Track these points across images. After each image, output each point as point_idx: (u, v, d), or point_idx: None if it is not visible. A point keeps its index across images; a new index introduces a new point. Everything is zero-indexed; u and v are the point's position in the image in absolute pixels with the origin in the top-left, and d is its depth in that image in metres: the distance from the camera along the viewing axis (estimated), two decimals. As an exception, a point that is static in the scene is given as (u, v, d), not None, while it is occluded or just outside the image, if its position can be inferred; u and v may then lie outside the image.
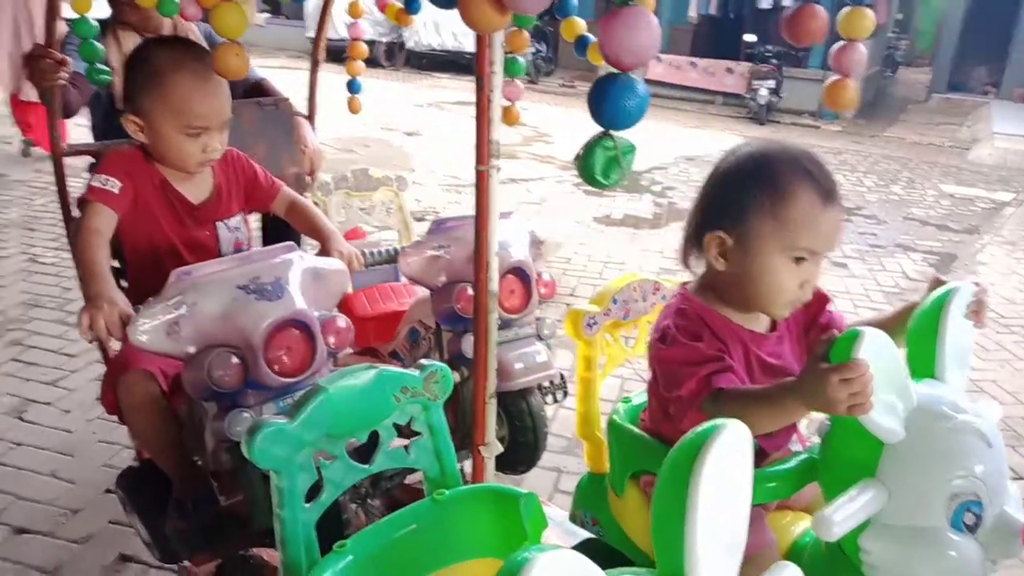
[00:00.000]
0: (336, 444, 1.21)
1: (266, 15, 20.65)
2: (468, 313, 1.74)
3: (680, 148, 9.96)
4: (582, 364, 1.64)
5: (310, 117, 2.61)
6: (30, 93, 4.77)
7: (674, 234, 5.87)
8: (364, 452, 1.26)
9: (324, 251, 1.67)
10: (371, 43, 16.66)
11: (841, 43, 1.14)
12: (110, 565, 2.12)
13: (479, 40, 1.09)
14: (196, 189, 1.74)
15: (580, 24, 2.07)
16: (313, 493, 1.18)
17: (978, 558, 1.03)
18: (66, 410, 2.88)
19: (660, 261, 5.20)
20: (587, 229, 5.86)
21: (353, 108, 2.79)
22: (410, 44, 16.36)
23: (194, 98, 1.56)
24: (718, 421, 0.72)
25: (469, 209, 1.27)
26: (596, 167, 1.38)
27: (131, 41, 2.27)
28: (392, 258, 1.88)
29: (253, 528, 1.44)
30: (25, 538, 2.21)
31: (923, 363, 1.15)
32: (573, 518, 1.63)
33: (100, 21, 2.26)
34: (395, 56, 16.92)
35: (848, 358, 0.97)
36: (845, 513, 1.01)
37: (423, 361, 1.28)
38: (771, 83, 12.13)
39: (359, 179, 2.57)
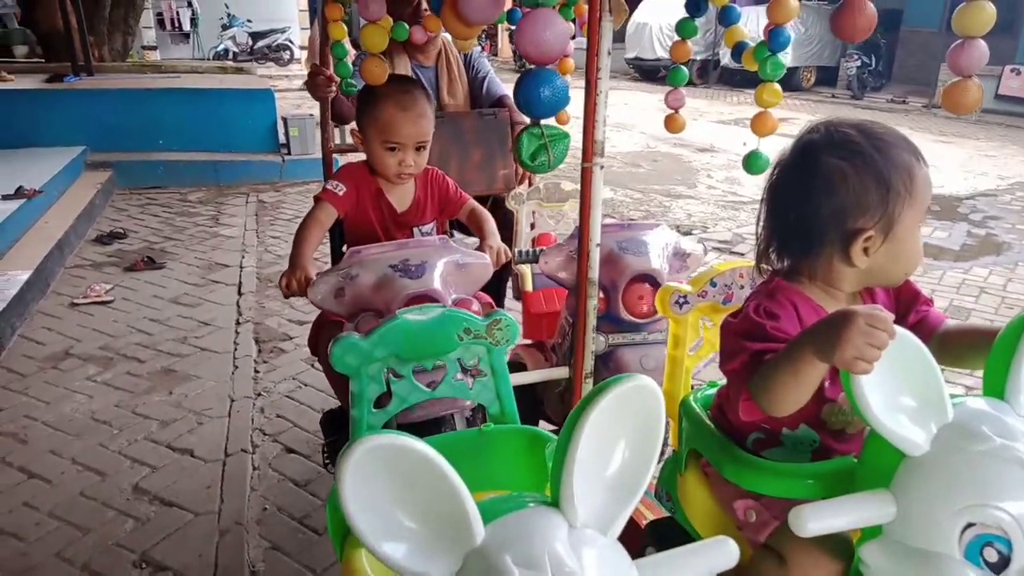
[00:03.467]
0: (404, 365, 1.42)
1: (580, 37, 21.87)
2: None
3: (1021, 173, 8.54)
4: (671, 342, 1.68)
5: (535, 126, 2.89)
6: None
7: (982, 269, 5.16)
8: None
9: (480, 246, 1.93)
10: (685, 61, 16.82)
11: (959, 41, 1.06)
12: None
13: (589, 44, 1.21)
14: (401, 199, 2.10)
15: (741, 32, 2.01)
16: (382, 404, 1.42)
17: None
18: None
19: (954, 298, 4.60)
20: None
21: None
22: (725, 61, 16.08)
23: (394, 121, 1.92)
24: (624, 376, 0.81)
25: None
26: (523, 152, 1.45)
27: (401, 63, 2.75)
28: (537, 257, 2.06)
29: None
30: (292, 456, 2.79)
31: (996, 382, 1.03)
32: (657, 494, 1.66)
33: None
34: (708, 73, 16.81)
35: None
36: (826, 514, 0.95)
37: (496, 310, 1.47)
38: None
39: (550, 191, 2.77)
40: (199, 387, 3.25)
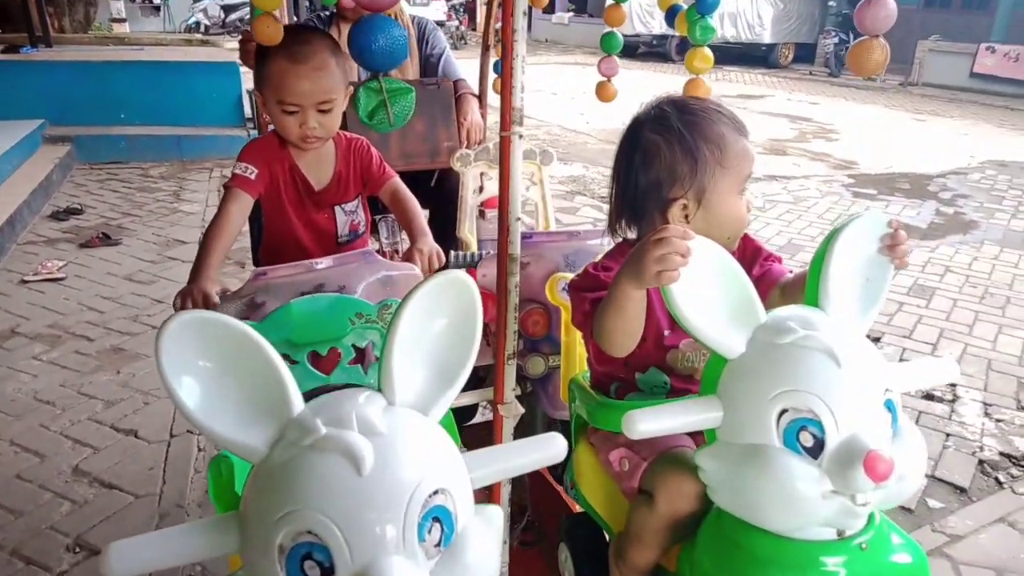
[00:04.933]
0: (298, 351, 1.34)
1: (570, 14, 21.65)
2: (534, 334, 1.78)
3: (992, 152, 8.58)
4: (563, 328, 1.67)
5: (480, 96, 2.77)
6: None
7: (948, 248, 5.17)
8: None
9: (408, 251, 1.70)
10: (663, 37, 16.74)
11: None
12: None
13: (504, 6, 1.13)
14: (319, 174, 1.82)
15: None
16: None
17: (816, 483, 0.94)
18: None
19: (919, 276, 4.60)
20: (840, 233, 5.36)
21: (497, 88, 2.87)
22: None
23: (285, 77, 1.64)
24: (440, 272, 0.90)
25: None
26: (360, 109, 1.35)
27: (346, 32, 2.65)
28: (473, 263, 1.85)
29: None
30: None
31: (812, 294, 1.07)
32: (564, 484, 1.65)
33: (328, 14, 2.73)
34: (687, 50, 16.71)
35: None
36: (654, 417, 1.00)
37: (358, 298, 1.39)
38: None
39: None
40: (148, 366, 3.16)
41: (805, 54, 16.75)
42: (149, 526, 2.22)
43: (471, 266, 1.83)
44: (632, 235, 1.36)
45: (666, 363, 1.33)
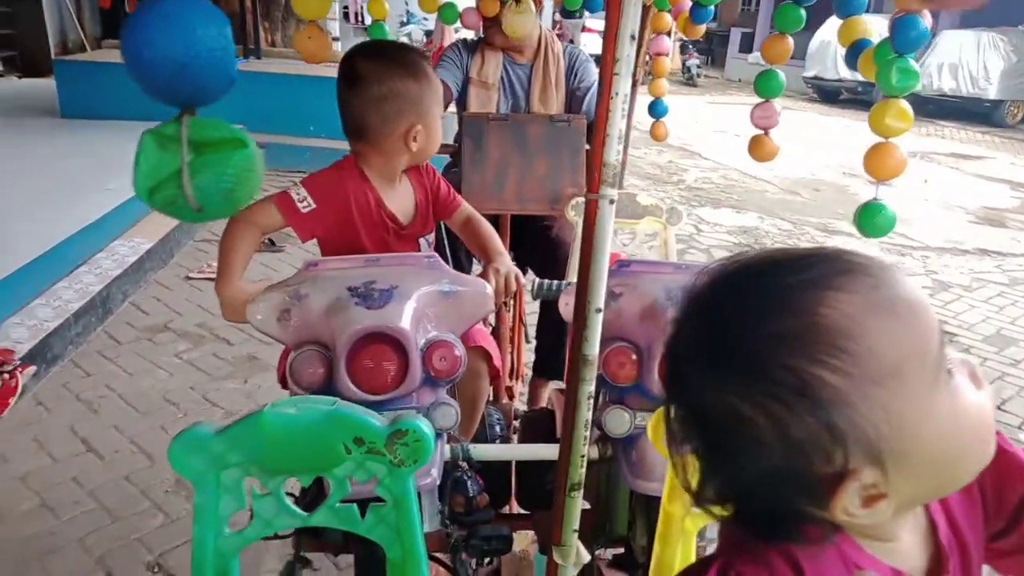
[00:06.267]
0: (271, 478, 1.05)
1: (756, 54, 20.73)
2: (620, 380, 1.39)
3: None
4: (665, 490, 1.15)
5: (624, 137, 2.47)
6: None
7: None
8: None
9: (484, 269, 1.53)
10: (871, 84, 15.45)
11: None
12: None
13: (606, 27, 0.84)
14: (403, 206, 1.64)
15: (863, 27, 1.54)
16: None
17: None
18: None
19: None
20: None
21: (656, 135, 2.55)
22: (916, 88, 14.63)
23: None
24: None
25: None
26: (139, 177, 0.80)
27: (493, 58, 2.48)
28: (557, 292, 1.57)
29: None
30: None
31: None
32: None
33: (473, 40, 2.60)
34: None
35: None
36: None
37: (404, 413, 1.05)
38: None
39: (623, 203, 2.18)
40: (272, 379, 3.15)
41: (1038, 114, 14.86)
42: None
43: (555, 295, 1.56)
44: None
45: None
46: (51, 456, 2.54)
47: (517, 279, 1.48)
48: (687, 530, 1.10)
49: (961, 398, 0.60)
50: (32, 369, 2.89)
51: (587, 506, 1.31)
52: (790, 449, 0.57)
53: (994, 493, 0.71)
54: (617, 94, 0.85)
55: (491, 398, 2.06)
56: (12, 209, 4.13)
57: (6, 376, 2.72)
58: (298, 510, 1.08)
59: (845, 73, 15.17)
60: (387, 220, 1.59)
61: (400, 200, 1.62)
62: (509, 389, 2.22)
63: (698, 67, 18.39)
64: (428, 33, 20.08)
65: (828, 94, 16.39)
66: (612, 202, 0.90)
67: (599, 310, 0.91)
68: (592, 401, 0.98)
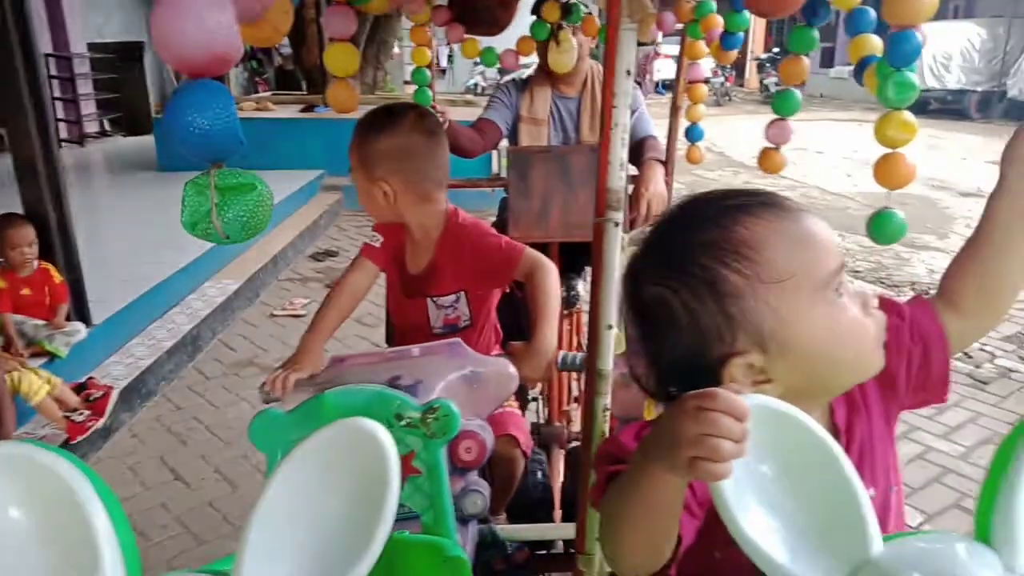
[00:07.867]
0: None
1: (850, 67, 20.17)
2: None
3: None
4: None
5: (666, 162, 2.46)
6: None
7: None
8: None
9: (516, 343, 1.49)
10: (961, 92, 14.82)
11: None
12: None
13: (605, 61, 0.89)
14: (417, 258, 1.65)
15: (872, 42, 1.54)
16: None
17: None
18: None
19: None
20: None
21: (691, 158, 2.55)
22: (1013, 93, 13.90)
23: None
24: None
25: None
26: (185, 215, 1.03)
27: (541, 95, 2.56)
28: (583, 368, 1.45)
29: None
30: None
31: (984, 523, 0.62)
32: None
33: (521, 79, 2.71)
34: (991, 106, 14.65)
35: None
36: None
37: (437, 396, 1.21)
38: None
39: None
40: (347, 410, 3.28)
41: None
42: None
43: (580, 368, 1.52)
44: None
45: None
46: (143, 484, 2.72)
47: (549, 364, 1.44)
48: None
49: (840, 312, 0.77)
50: (115, 393, 3.07)
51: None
52: (697, 330, 0.77)
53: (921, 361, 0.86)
54: (617, 125, 0.90)
55: (539, 427, 2.10)
56: (114, 256, 4.49)
57: (91, 403, 2.94)
58: None
59: (933, 82, 14.61)
60: (401, 263, 1.67)
61: (416, 251, 1.65)
62: (565, 413, 2.25)
63: (776, 84, 18.08)
64: (501, 72, 20.64)
65: (916, 104, 15.72)
66: (617, 225, 0.94)
67: (610, 327, 0.96)
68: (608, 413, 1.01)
